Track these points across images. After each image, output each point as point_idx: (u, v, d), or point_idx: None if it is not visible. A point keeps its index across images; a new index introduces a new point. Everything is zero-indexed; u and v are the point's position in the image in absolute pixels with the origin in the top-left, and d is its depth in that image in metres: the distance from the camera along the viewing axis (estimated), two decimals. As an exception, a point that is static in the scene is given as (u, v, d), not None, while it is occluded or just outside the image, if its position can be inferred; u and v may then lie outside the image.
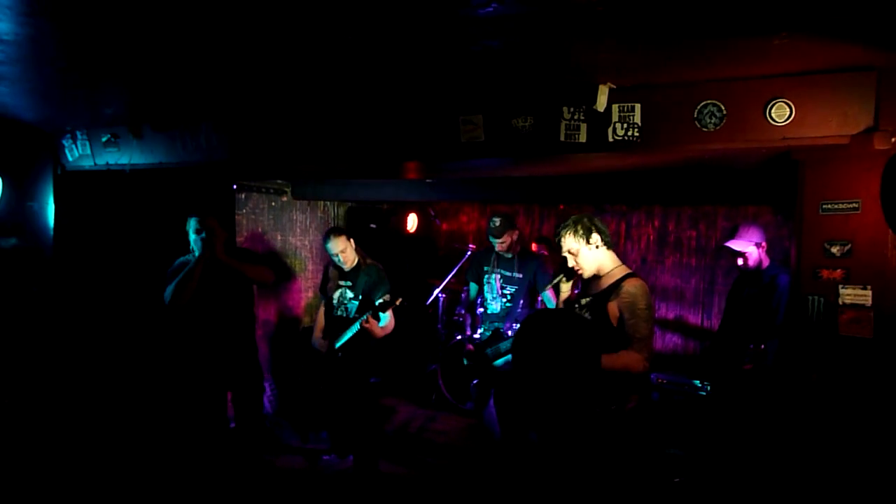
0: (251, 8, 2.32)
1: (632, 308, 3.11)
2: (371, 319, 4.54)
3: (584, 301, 3.36)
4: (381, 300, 4.59)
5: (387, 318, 4.68)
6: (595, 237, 3.28)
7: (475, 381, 5.17)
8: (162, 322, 4.87)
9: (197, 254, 4.32)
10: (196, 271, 4.25)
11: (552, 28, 2.42)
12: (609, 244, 3.33)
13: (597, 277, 3.36)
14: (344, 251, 4.78)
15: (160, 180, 5.18)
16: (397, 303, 4.57)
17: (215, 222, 4.34)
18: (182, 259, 4.47)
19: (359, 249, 4.95)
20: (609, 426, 3.16)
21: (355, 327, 4.64)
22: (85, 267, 4.93)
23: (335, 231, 4.82)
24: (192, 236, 4.34)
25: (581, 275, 3.40)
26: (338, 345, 4.74)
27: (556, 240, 3.38)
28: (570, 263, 3.36)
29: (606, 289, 3.25)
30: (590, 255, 3.31)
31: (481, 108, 3.45)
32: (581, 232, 3.28)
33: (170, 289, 4.28)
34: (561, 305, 3.54)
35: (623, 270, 3.29)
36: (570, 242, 3.31)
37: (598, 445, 3.20)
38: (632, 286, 3.16)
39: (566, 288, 3.50)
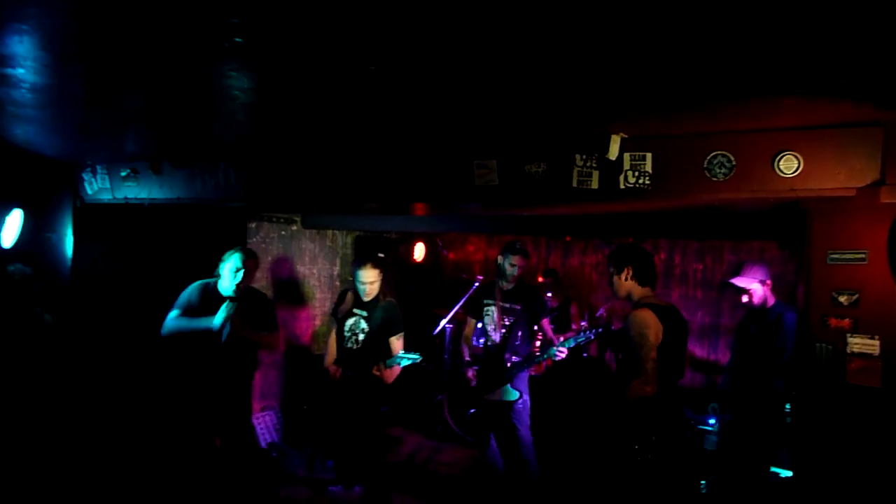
0: (274, 71, 2.41)
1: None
2: (384, 371, 4.49)
3: None
4: (406, 361, 4.50)
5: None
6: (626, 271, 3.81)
7: (472, 411, 5.21)
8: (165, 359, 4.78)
9: (222, 289, 4.14)
10: (201, 332, 4.03)
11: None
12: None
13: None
14: (373, 283, 4.67)
15: (175, 211, 5.25)
16: (420, 363, 4.50)
17: (253, 264, 4.21)
18: (200, 284, 4.22)
19: (382, 283, 4.83)
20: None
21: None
22: (101, 297, 4.99)
23: (373, 261, 4.68)
24: (225, 268, 4.13)
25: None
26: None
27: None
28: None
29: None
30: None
31: (495, 153, 3.53)
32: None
33: (170, 325, 4.08)
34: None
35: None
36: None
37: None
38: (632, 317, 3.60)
39: None
